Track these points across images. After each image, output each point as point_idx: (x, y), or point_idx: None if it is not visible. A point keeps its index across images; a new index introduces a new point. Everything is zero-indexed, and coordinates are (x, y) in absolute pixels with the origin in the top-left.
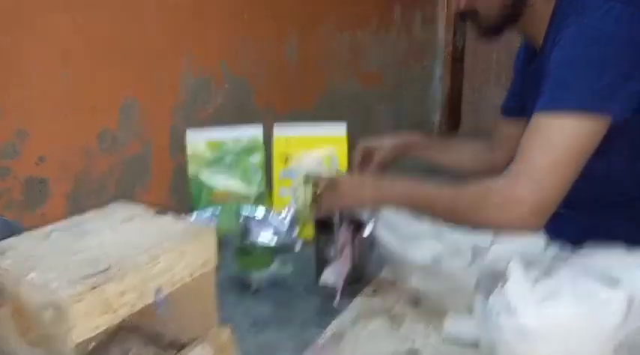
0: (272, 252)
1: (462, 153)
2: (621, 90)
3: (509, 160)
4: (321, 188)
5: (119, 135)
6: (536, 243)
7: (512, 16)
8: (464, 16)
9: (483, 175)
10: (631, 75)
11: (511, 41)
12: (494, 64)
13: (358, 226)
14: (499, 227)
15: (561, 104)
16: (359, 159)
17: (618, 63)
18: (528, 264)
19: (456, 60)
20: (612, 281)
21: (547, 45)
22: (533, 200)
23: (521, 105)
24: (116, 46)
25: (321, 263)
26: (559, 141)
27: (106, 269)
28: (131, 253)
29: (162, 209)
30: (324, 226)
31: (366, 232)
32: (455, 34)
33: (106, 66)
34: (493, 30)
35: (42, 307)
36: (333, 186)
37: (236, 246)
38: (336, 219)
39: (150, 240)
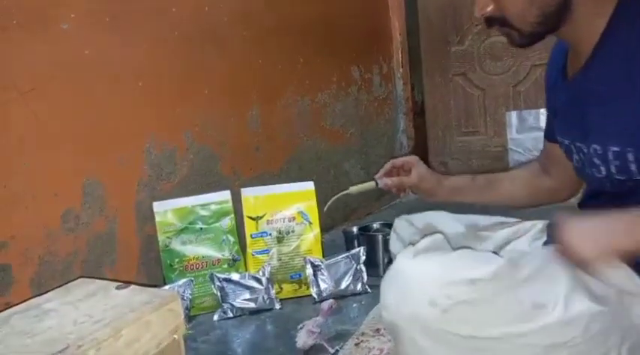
0: None
1: (512, 184)
2: None
3: (568, 179)
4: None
5: (82, 214)
6: None
7: (550, 25)
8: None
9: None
10: None
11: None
12: (453, 114)
13: None
14: None
15: None
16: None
17: None
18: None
19: (417, 114)
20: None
21: (600, 57)
22: None
23: (563, 125)
24: (73, 132)
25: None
26: None
27: (65, 349)
28: (91, 329)
29: (125, 283)
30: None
31: None
32: (413, 89)
33: (63, 151)
34: (527, 39)
35: None
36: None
37: None
38: None
39: (112, 314)
